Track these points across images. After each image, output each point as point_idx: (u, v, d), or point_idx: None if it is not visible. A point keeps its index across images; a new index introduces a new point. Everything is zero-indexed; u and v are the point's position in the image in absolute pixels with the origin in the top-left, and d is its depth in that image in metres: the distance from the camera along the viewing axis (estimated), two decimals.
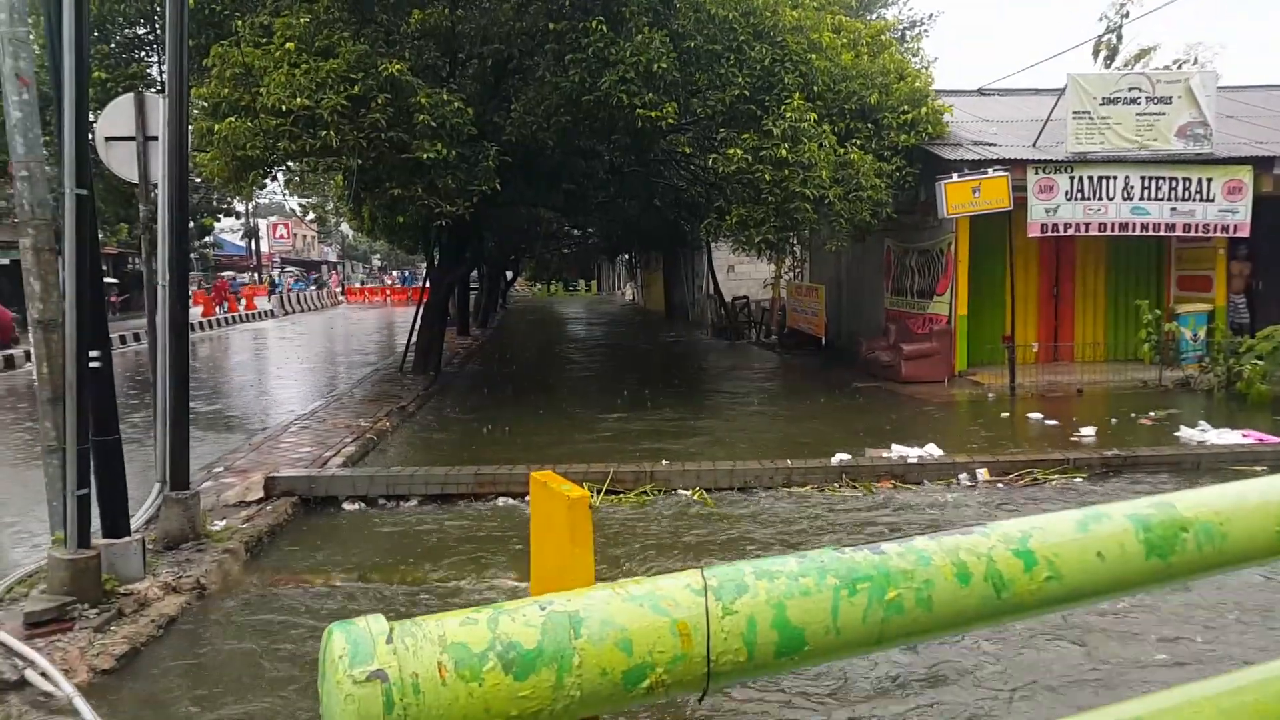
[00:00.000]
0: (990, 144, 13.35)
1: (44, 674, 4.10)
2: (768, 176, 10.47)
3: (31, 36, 4.80)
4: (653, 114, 10.05)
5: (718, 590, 1.26)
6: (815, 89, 11.45)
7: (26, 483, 7.58)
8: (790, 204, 10.57)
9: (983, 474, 7.59)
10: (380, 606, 5.08)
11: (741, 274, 25.30)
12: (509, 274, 35.67)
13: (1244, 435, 8.60)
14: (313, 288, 45.59)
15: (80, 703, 3.91)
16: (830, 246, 12.74)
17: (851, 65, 12.10)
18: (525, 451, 8.86)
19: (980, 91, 18.15)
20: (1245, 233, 12.59)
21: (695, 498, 7.19)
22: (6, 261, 24.08)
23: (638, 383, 14.32)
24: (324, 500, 7.32)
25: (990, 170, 11.67)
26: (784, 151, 10.38)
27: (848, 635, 1.27)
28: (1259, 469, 7.64)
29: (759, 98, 11.07)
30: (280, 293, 39.33)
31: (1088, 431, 8.96)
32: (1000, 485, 7.46)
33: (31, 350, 4.93)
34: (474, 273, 25.24)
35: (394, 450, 9.48)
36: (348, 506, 7.26)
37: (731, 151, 10.64)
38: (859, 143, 11.60)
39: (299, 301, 39.55)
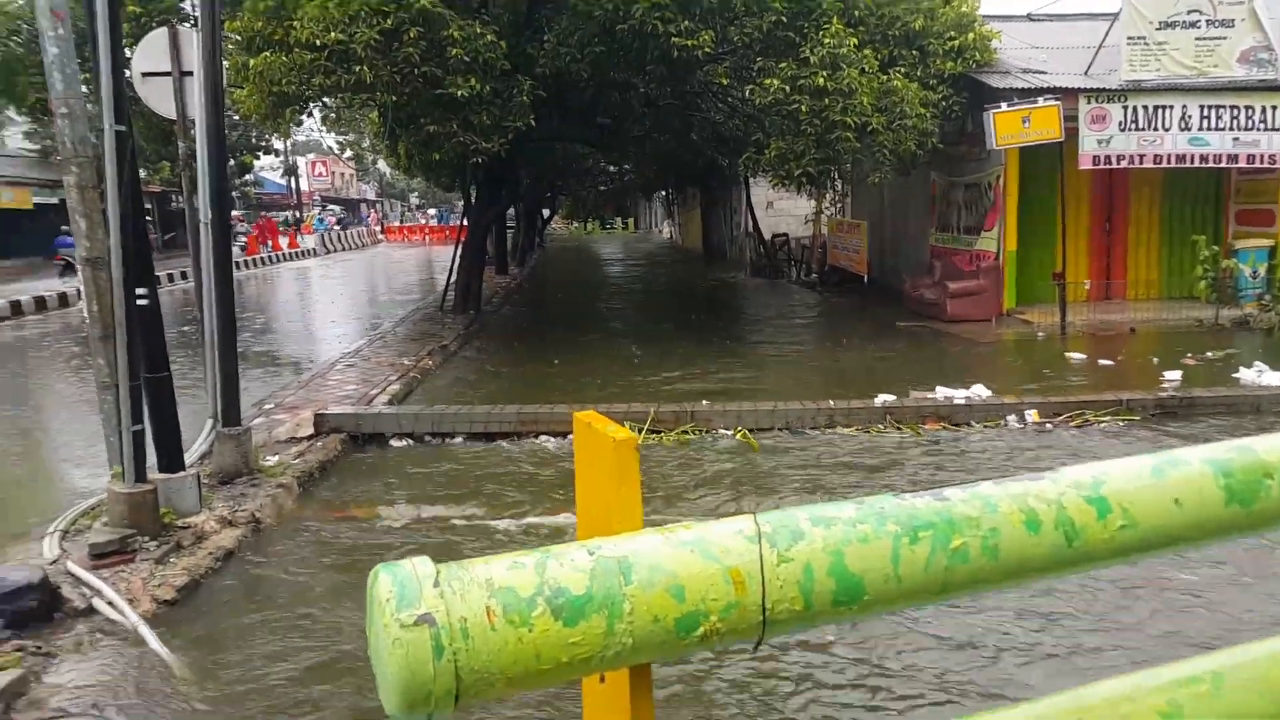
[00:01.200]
0: (1040, 72, 12.79)
1: (110, 603, 4.23)
2: (804, 107, 10.14)
3: None
4: (688, 42, 9.77)
5: (771, 537, 1.21)
6: (856, 13, 11.01)
7: (88, 418, 7.80)
8: (831, 134, 10.25)
9: (1032, 415, 7.44)
10: (433, 541, 5.16)
11: (781, 210, 24.84)
12: (546, 212, 35.49)
13: None
14: (336, 228, 45.31)
15: (146, 631, 4.04)
16: (874, 179, 12.34)
17: None
18: (566, 390, 8.88)
19: (1030, 17, 17.34)
20: None
21: (738, 438, 7.17)
22: (56, 201, 24.47)
23: (676, 323, 14.25)
24: (371, 437, 7.43)
25: (1040, 99, 11.20)
26: (822, 80, 10.02)
27: (909, 584, 1.22)
28: None
29: (797, 23, 10.66)
30: (321, 232, 39.66)
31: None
32: (1050, 426, 7.32)
33: (81, 288, 4.99)
34: (511, 211, 25.11)
35: (437, 388, 9.56)
36: (395, 443, 7.37)
37: (768, 82, 10.31)
38: (903, 70, 11.16)
39: (340, 240, 40.02)
